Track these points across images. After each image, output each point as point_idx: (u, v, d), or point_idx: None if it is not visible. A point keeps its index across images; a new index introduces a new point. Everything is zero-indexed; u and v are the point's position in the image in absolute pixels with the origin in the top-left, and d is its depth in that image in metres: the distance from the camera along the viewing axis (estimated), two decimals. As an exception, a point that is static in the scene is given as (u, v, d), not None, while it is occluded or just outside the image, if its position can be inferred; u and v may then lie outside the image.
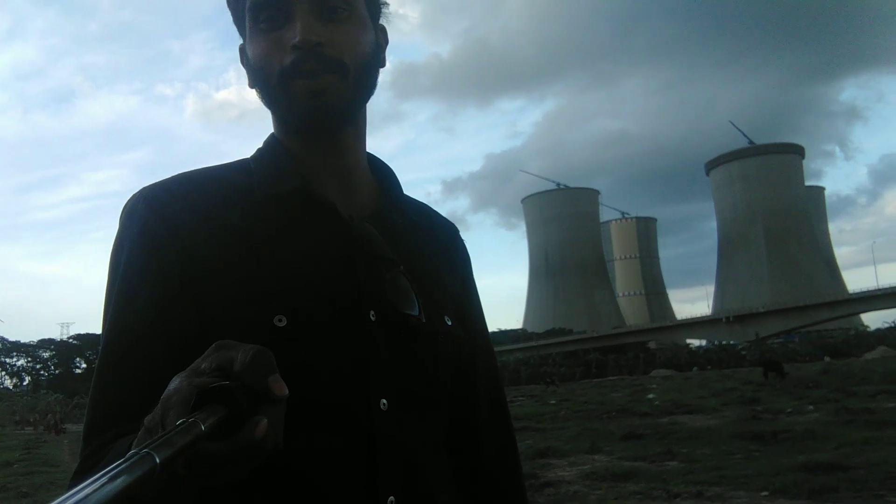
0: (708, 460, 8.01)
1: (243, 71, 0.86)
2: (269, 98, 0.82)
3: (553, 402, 22.48)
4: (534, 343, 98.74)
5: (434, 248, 0.92)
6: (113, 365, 0.73)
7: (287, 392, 0.53)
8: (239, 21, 0.85)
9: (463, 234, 0.99)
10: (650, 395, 21.39)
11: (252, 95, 0.85)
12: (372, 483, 0.73)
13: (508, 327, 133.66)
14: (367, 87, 0.83)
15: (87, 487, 0.37)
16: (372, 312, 0.78)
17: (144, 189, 0.81)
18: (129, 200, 0.80)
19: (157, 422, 0.51)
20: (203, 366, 0.53)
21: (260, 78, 0.82)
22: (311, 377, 0.72)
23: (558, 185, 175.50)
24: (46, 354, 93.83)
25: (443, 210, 0.97)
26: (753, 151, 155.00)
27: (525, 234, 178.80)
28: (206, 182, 0.82)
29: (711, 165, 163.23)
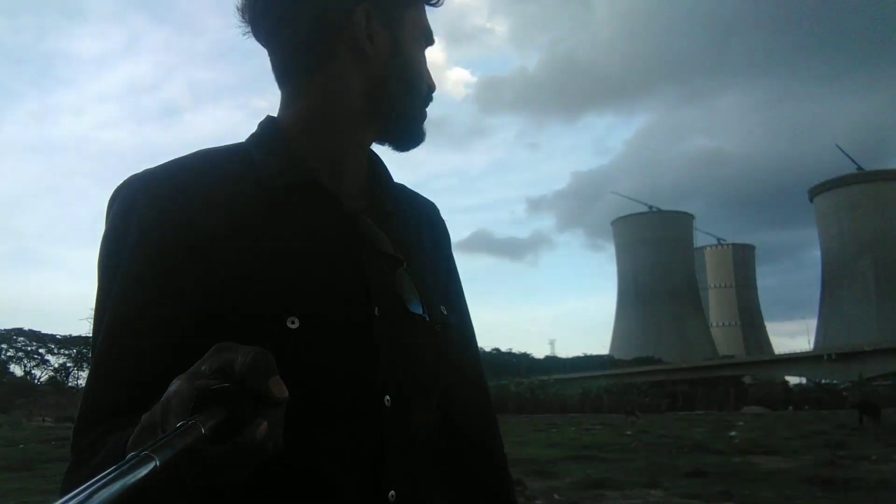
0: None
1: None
2: (402, 101, 0.87)
3: (629, 432, 22.02)
4: (620, 371, 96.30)
5: (423, 234, 0.93)
6: (111, 361, 0.72)
7: (287, 394, 0.53)
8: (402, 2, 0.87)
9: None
10: (732, 433, 20.63)
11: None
12: (376, 478, 0.74)
13: (594, 352, 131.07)
14: None
15: (87, 489, 0.37)
16: (377, 309, 0.78)
17: (139, 179, 0.78)
18: (123, 190, 0.77)
19: (157, 423, 0.51)
20: (203, 368, 0.53)
21: (410, 85, 0.87)
22: (321, 376, 0.73)
23: (650, 207, 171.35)
24: None
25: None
26: (862, 178, 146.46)
27: (614, 257, 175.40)
28: (207, 171, 0.79)
29: (815, 192, 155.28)
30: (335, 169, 0.84)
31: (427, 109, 0.89)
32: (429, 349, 0.84)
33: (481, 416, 0.96)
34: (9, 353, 65.40)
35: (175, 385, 0.52)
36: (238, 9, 0.85)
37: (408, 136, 0.90)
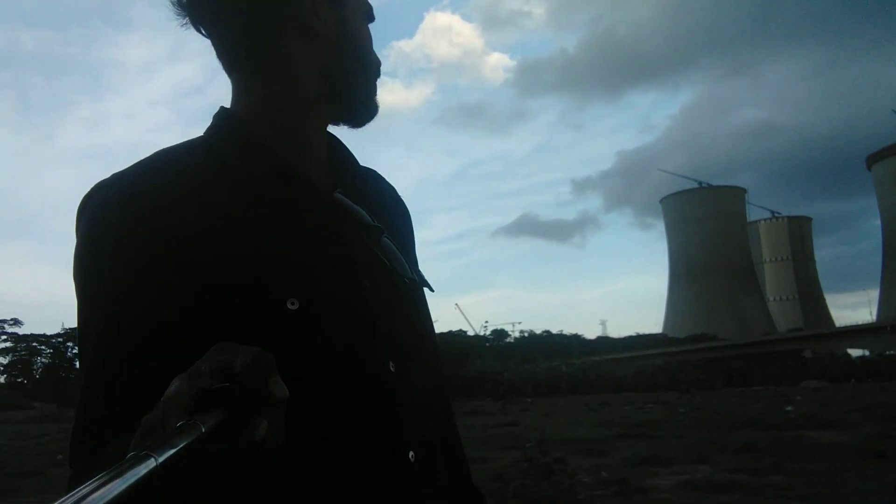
0: (815, 476, 7.73)
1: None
2: (356, 75, 0.88)
3: (682, 410, 21.85)
4: (673, 349, 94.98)
5: (391, 212, 0.95)
6: (106, 368, 0.71)
7: (287, 394, 0.53)
8: None
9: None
10: (788, 408, 20.26)
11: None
12: (395, 441, 0.77)
13: (647, 331, 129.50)
14: None
15: (86, 488, 0.37)
16: (367, 281, 0.80)
17: (110, 183, 0.77)
18: (94, 197, 0.76)
19: (157, 423, 0.50)
20: (203, 368, 0.53)
21: (362, 59, 0.89)
22: (326, 351, 0.75)
23: (700, 183, 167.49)
24: None
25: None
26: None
27: (663, 235, 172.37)
28: (177, 168, 0.78)
29: (874, 159, 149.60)
30: (301, 153, 0.84)
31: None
32: (418, 313, 0.88)
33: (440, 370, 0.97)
34: (74, 351, 68.39)
35: (175, 385, 0.52)
36: (173, 2, 0.84)
37: (364, 111, 0.91)
